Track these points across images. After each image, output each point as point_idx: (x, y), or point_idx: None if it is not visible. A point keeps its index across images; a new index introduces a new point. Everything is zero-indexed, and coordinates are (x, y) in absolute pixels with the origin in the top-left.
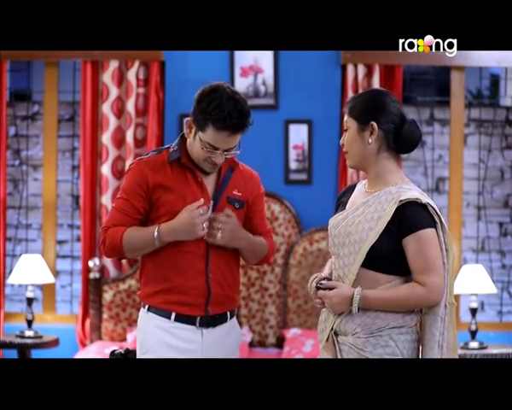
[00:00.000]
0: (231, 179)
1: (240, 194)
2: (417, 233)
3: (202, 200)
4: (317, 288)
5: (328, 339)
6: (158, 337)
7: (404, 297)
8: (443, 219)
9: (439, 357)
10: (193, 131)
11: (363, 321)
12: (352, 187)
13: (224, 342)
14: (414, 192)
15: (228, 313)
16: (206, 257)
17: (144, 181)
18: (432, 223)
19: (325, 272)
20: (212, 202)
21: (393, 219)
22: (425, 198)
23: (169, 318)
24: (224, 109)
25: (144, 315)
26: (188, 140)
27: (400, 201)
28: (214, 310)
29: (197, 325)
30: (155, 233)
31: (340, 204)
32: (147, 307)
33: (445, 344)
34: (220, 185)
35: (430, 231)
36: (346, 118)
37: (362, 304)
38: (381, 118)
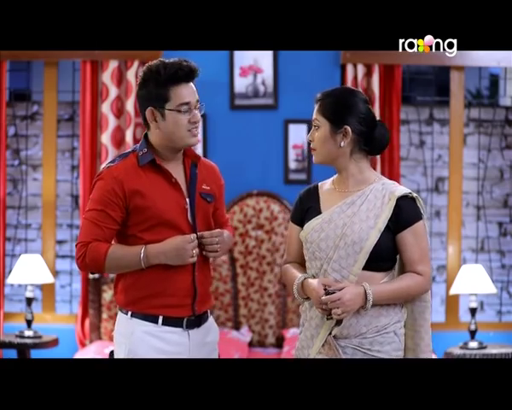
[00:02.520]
0: (198, 174)
1: (208, 188)
2: (413, 226)
3: (192, 235)
4: (326, 294)
5: (323, 344)
6: (146, 343)
7: (408, 288)
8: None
9: (431, 341)
10: (157, 114)
11: (368, 321)
12: (315, 189)
13: (206, 340)
14: (401, 187)
15: (208, 311)
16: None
17: (120, 189)
18: (421, 215)
19: (300, 276)
20: (195, 235)
21: (390, 216)
22: (412, 192)
23: (156, 322)
24: (171, 65)
25: (128, 321)
26: (156, 133)
27: (397, 197)
28: (200, 309)
29: (184, 326)
30: (141, 255)
31: (309, 209)
32: (130, 313)
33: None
34: (190, 182)
35: (422, 223)
36: (316, 115)
37: (373, 299)
38: (354, 121)
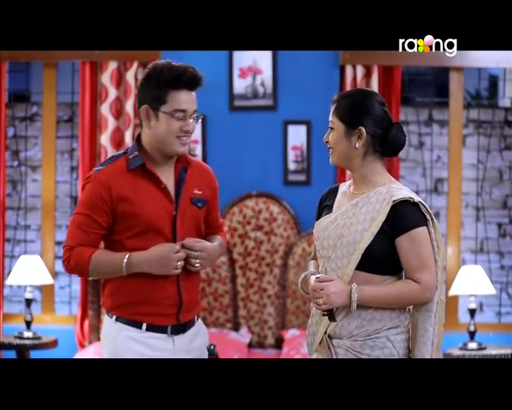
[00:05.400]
0: (188, 178)
1: (200, 192)
2: (411, 232)
3: (178, 245)
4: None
5: (320, 342)
6: (129, 348)
7: (400, 294)
8: (433, 217)
9: (430, 353)
10: (151, 114)
11: (360, 324)
12: (335, 189)
13: (193, 345)
14: (405, 191)
15: (195, 317)
16: None
17: (107, 194)
18: (424, 221)
19: (306, 272)
20: (179, 244)
21: (387, 219)
22: (416, 197)
23: (140, 328)
24: (176, 69)
25: (112, 325)
26: (147, 132)
27: (393, 200)
28: (185, 318)
29: (168, 333)
30: (124, 261)
31: (325, 207)
32: (114, 317)
33: (435, 340)
34: (177, 187)
35: (423, 230)
36: (331, 117)
37: (359, 299)
38: (368, 123)
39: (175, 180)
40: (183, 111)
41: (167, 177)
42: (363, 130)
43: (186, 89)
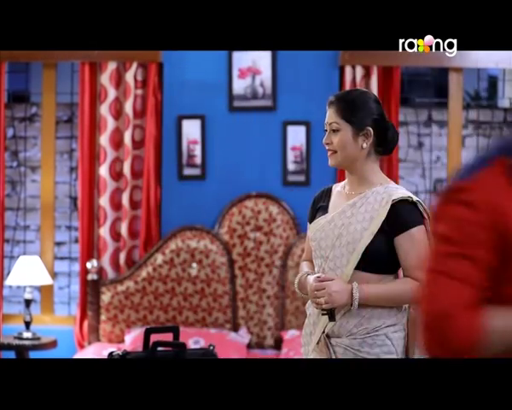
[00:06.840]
0: None
1: None
2: (411, 231)
3: None
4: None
5: (318, 342)
6: None
7: (400, 292)
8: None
9: None
10: None
11: (359, 322)
12: (328, 191)
13: None
14: (403, 191)
15: None
16: None
17: (490, 219)
18: (422, 220)
19: (303, 272)
20: None
21: (386, 219)
22: (414, 196)
23: None
24: None
25: None
26: None
27: (393, 200)
28: None
29: None
30: None
31: (320, 208)
32: None
33: None
34: None
35: (421, 228)
36: (335, 119)
37: (361, 298)
38: (372, 122)
39: None
40: None
41: None
42: (371, 130)
43: None
